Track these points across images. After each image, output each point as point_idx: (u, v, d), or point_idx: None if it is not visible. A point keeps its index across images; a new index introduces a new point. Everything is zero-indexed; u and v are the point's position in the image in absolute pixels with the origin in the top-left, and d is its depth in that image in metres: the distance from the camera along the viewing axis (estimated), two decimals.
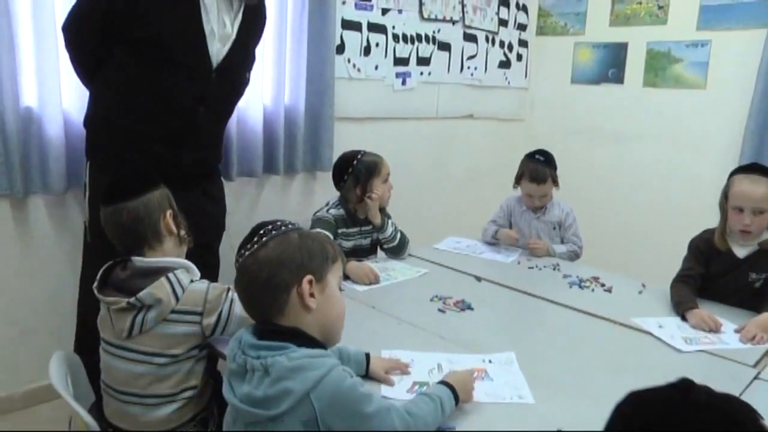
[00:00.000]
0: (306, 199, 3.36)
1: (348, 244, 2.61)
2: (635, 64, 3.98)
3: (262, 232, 1.31)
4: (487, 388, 1.53)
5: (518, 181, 2.92)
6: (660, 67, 3.86)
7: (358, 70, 3.44)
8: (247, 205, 2.99)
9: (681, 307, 2.12)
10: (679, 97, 3.81)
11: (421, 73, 3.80)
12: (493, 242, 2.90)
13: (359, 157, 2.59)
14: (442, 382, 1.42)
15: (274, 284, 1.27)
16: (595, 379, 1.66)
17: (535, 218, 2.93)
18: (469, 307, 2.08)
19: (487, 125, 4.36)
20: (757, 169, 2.25)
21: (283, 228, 1.32)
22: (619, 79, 4.07)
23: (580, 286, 2.40)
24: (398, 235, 2.63)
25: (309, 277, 1.28)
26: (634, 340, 1.96)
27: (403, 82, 3.71)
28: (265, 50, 2.85)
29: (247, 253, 1.30)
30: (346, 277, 2.23)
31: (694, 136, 3.79)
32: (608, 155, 4.21)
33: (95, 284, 1.61)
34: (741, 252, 2.25)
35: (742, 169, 2.30)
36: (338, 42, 3.25)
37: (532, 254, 2.77)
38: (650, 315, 2.13)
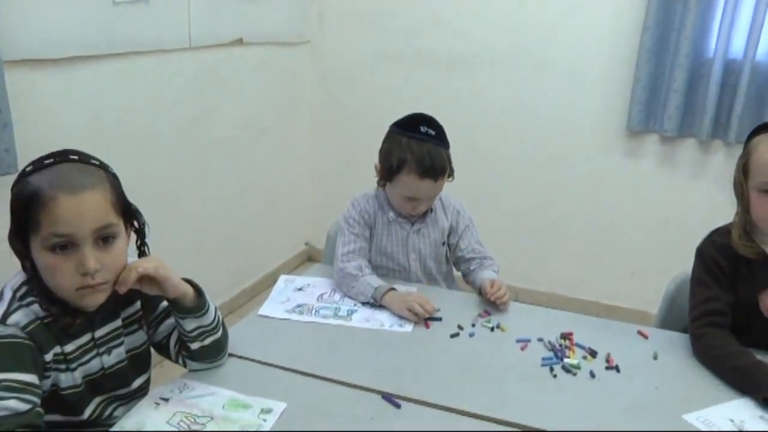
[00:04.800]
0: None
1: (73, 377, 1.14)
2: None
3: None
4: None
5: (392, 174, 1.68)
6: None
7: None
8: None
9: (753, 383, 1.31)
10: (543, 5, 2.77)
11: None
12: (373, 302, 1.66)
13: (28, 171, 1.09)
14: None
15: None
16: None
17: (412, 231, 1.81)
18: None
19: (264, 54, 3.03)
20: None
21: None
22: None
23: (565, 368, 1.36)
24: (220, 318, 1.32)
25: None
26: None
27: None
28: None
29: None
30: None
31: (569, 59, 2.83)
32: (446, 89, 3.07)
33: None
34: None
35: (765, 128, 1.48)
36: None
37: (499, 307, 1.62)
38: (696, 401, 1.27)
